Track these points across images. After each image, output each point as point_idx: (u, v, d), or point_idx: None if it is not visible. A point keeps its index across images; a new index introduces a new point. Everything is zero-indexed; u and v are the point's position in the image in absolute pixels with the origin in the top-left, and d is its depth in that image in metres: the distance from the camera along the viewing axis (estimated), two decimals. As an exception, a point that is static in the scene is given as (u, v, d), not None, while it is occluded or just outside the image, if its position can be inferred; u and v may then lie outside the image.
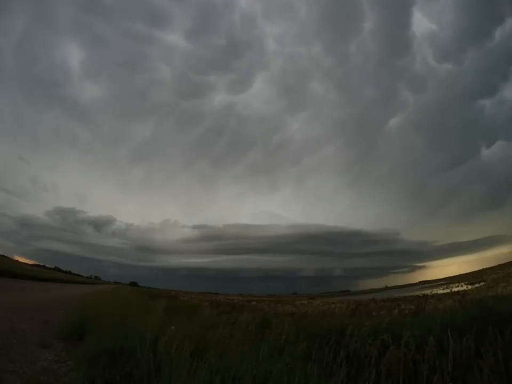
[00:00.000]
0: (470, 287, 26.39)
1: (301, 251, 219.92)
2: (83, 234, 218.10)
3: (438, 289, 32.92)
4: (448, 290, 25.46)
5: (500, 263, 52.29)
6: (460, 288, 26.34)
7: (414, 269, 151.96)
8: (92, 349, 4.39)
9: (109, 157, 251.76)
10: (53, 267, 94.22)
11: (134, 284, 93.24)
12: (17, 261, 74.03)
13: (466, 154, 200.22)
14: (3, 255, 65.63)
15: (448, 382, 3.21)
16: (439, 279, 67.56)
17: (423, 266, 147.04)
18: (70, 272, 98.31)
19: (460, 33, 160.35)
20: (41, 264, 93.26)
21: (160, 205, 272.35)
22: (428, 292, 28.94)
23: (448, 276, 64.67)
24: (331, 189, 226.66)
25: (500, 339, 3.59)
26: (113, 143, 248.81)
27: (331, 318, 8.68)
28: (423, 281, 78.50)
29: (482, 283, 27.62)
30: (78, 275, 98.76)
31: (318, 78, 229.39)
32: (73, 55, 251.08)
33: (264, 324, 6.88)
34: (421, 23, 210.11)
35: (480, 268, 57.44)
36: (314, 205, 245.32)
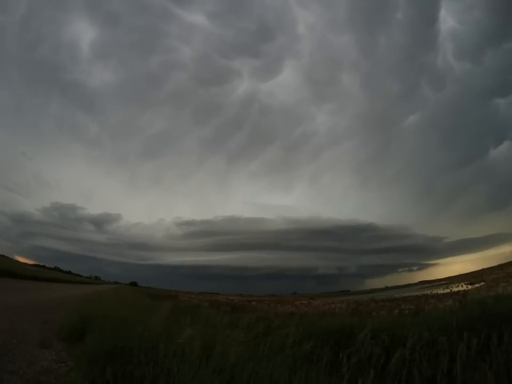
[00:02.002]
0: (470, 287, 26.40)
1: (307, 247, 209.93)
2: (84, 232, 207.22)
3: (438, 289, 32.90)
4: (448, 290, 25.46)
5: (500, 263, 52.31)
6: (460, 288, 26.34)
7: (423, 266, 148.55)
8: (92, 349, 4.38)
9: (118, 152, 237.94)
10: (53, 267, 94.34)
11: (134, 284, 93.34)
12: (17, 261, 74.24)
13: (477, 154, 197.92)
14: (3, 255, 65.77)
15: (448, 382, 3.20)
16: (440, 279, 67.64)
17: (433, 264, 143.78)
18: (70, 272, 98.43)
19: (481, 32, 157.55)
20: (40, 264, 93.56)
21: (170, 203, 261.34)
22: (428, 292, 28.93)
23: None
24: (344, 186, 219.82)
25: (500, 339, 3.59)
26: (123, 136, 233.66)
27: (331, 318, 8.68)
28: (423, 281, 78.56)
29: (483, 283, 27.62)
30: (78, 275, 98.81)
31: (346, 69, 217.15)
32: (82, 33, 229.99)
33: (265, 324, 6.88)
34: (446, 19, 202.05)
35: (493, 265, 56.62)
36: (326, 201, 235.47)
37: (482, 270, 54.31)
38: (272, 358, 3.84)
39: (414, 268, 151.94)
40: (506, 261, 51.21)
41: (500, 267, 48.08)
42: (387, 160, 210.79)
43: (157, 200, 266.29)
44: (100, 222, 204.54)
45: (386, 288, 78.18)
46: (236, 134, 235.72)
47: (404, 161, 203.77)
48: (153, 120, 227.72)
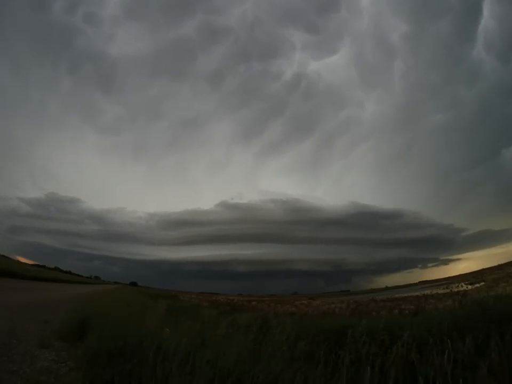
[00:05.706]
0: (470, 287, 26.41)
1: (317, 240, 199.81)
2: (87, 229, 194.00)
3: (438, 289, 32.88)
4: (448, 291, 25.46)
5: (500, 263, 52.19)
6: (460, 288, 26.34)
7: (442, 262, 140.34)
8: (92, 349, 4.38)
9: (137, 139, 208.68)
10: (53, 267, 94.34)
11: (134, 284, 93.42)
12: (18, 261, 74.24)
13: (491, 153, 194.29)
14: (3, 255, 65.81)
15: (448, 382, 3.21)
16: (440, 279, 67.67)
17: (453, 260, 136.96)
18: (70, 272, 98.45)
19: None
20: (40, 263, 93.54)
21: (190, 197, 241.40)
22: (428, 292, 28.92)
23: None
24: (366, 180, 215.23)
25: (500, 339, 3.59)
26: (145, 120, 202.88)
27: (331, 318, 8.68)
28: (423, 281, 78.49)
29: (482, 283, 27.64)
30: (78, 275, 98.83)
31: (399, 56, 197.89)
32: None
33: (264, 324, 6.88)
34: (484, 15, 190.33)
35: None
36: (343, 192, 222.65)
37: (483, 270, 54.25)
38: (270, 357, 3.84)
39: (432, 265, 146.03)
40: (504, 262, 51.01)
41: (500, 267, 48.05)
42: (412, 156, 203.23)
43: (177, 195, 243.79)
44: (101, 217, 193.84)
45: (386, 288, 78.20)
46: (273, 122, 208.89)
47: (428, 157, 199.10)
48: (181, 102, 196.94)
